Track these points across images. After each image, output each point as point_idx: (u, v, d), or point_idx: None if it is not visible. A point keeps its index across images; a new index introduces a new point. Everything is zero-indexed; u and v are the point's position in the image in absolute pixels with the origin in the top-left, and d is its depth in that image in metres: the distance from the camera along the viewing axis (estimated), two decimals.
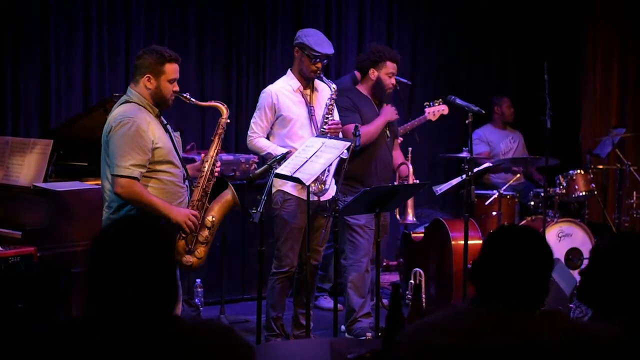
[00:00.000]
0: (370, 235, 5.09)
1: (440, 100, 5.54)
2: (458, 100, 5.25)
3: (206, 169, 4.04)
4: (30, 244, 4.27)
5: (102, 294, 1.87)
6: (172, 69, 3.90)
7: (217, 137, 4.13)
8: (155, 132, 3.84)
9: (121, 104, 3.90)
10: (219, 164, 4.14)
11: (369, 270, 5.16)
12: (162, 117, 3.99)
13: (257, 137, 4.84)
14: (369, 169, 5.08)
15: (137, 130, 3.77)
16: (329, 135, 4.68)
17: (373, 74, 5.16)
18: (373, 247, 5.14)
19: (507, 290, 2.06)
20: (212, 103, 4.23)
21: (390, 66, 5.16)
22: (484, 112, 5.28)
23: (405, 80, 5.70)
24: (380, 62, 5.14)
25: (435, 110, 5.49)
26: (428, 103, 5.53)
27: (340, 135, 4.80)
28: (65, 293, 4.46)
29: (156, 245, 1.92)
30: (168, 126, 4.02)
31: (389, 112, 5.19)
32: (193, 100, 4.06)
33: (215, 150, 4.10)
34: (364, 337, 4.77)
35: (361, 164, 5.01)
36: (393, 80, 5.19)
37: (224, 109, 4.14)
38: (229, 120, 4.18)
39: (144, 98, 3.88)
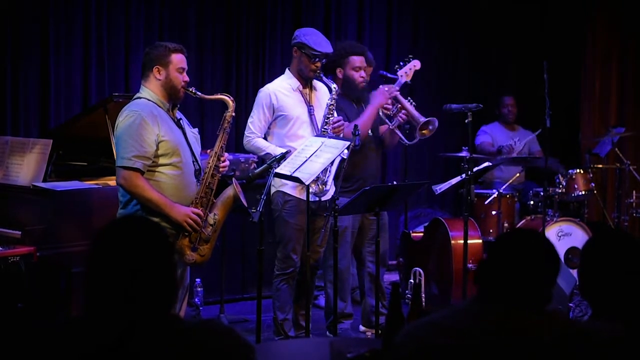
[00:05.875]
0: (352, 237, 5.08)
1: (410, 56, 5.24)
2: (454, 106, 5.24)
3: (210, 164, 3.99)
4: (30, 243, 4.27)
5: (101, 294, 1.87)
6: (178, 59, 3.92)
7: (222, 131, 4.05)
8: (162, 126, 3.84)
9: (132, 101, 3.93)
10: (224, 158, 4.05)
11: (349, 271, 5.15)
12: (177, 112, 4.00)
13: (255, 137, 4.82)
14: (354, 168, 4.95)
15: (141, 123, 3.77)
16: (328, 134, 4.67)
17: (340, 72, 5.07)
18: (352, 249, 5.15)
19: (511, 292, 2.05)
20: (218, 96, 4.15)
21: (355, 60, 5.03)
22: (482, 106, 5.26)
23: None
24: (343, 58, 5.04)
25: (407, 70, 5.19)
26: (398, 65, 5.24)
27: (342, 135, 4.77)
28: (65, 293, 4.45)
29: (155, 243, 1.92)
30: (182, 121, 4.01)
31: (377, 97, 4.98)
32: (199, 93, 4.02)
33: (220, 146, 4.02)
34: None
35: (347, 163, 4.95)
36: (362, 73, 5.04)
37: (230, 102, 4.07)
38: (234, 114, 4.11)
39: (154, 94, 3.91)
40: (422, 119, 5.01)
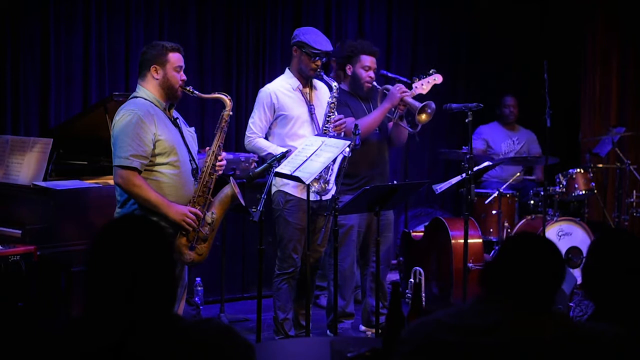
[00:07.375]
0: (359, 236, 5.07)
1: (433, 70, 5.26)
2: (454, 105, 5.24)
3: (207, 163, 4.00)
4: (30, 242, 4.27)
5: (102, 294, 1.87)
6: (175, 58, 3.94)
7: (219, 130, 4.06)
8: (158, 125, 3.84)
9: (128, 101, 3.94)
10: (222, 157, 4.06)
11: (353, 271, 5.15)
12: (173, 111, 4.00)
13: (257, 138, 4.82)
14: (359, 166, 4.95)
15: (138, 122, 3.78)
16: (329, 133, 4.67)
17: (349, 69, 5.09)
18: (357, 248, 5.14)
19: (516, 295, 2.06)
20: (216, 95, 4.17)
21: (366, 59, 5.05)
22: (482, 105, 5.24)
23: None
24: (354, 56, 5.06)
25: (425, 82, 5.20)
26: (417, 77, 5.25)
27: (343, 134, 4.76)
28: (65, 292, 4.46)
29: (156, 243, 1.92)
30: (179, 120, 4.02)
31: (392, 96, 4.97)
32: (196, 92, 4.04)
33: (217, 145, 4.03)
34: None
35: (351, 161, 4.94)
36: (371, 73, 5.06)
37: (227, 101, 4.08)
38: (232, 113, 4.11)
39: (151, 93, 3.91)
40: (418, 105, 5.00)
